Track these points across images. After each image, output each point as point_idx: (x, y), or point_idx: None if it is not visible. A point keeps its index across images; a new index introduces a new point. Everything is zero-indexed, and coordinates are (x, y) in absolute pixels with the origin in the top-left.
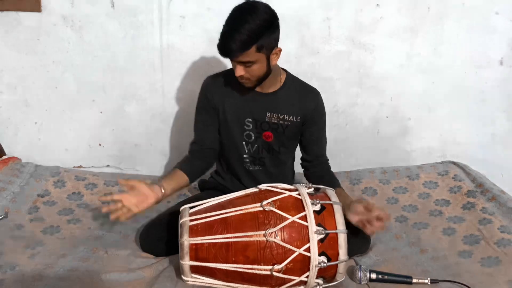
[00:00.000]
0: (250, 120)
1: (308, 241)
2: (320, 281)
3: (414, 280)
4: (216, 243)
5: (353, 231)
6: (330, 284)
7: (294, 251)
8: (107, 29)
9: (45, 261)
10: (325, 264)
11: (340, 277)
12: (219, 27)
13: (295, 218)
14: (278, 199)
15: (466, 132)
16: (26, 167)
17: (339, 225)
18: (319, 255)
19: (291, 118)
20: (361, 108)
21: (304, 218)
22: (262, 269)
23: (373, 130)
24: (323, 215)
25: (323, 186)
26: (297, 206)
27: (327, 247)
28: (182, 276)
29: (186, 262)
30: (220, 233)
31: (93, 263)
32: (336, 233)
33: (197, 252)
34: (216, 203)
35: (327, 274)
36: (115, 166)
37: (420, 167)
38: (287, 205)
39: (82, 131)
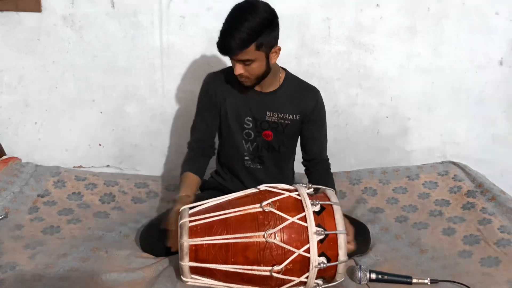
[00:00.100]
0: (250, 119)
1: (308, 242)
2: (319, 281)
3: (414, 280)
4: (215, 244)
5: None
6: (330, 285)
7: (294, 252)
8: (107, 29)
9: (45, 261)
10: (324, 265)
11: (340, 277)
12: (219, 27)
13: (295, 219)
14: (278, 199)
15: (466, 132)
16: (26, 167)
17: (338, 226)
18: (319, 255)
19: (290, 116)
20: (361, 108)
21: (304, 218)
22: (262, 270)
23: (373, 130)
24: (323, 215)
25: (323, 187)
26: (297, 206)
27: (327, 247)
28: (181, 277)
29: (186, 263)
30: (220, 234)
31: (93, 263)
32: (336, 234)
33: (196, 253)
34: (216, 204)
35: (326, 274)
36: (115, 166)
37: (420, 167)
38: (287, 206)
39: (82, 131)
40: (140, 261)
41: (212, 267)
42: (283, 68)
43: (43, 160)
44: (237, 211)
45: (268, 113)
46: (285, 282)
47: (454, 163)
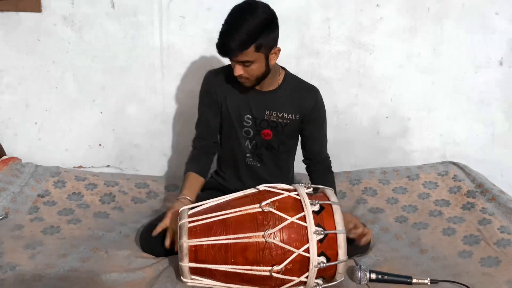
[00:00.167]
0: (249, 117)
1: (307, 242)
2: (319, 281)
3: (414, 280)
4: (215, 244)
5: None
6: (330, 284)
7: (294, 252)
8: (107, 29)
9: (45, 261)
10: (324, 265)
11: (340, 277)
12: (219, 27)
13: (294, 219)
14: (277, 199)
15: (466, 132)
16: (26, 167)
17: (338, 225)
18: (319, 255)
19: (290, 116)
20: (361, 108)
21: (303, 218)
22: (262, 270)
23: (373, 130)
24: (322, 215)
25: (322, 186)
26: (296, 206)
27: (326, 247)
28: (181, 277)
29: (186, 264)
30: (219, 235)
31: (93, 263)
32: (335, 233)
33: (196, 253)
34: (215, 204)
35: (326, 274)
36: (115, 166)
37: (420, 167)
38: (286, 206)
39: (82, 131)
40: (140, 261)
41: (212, 268)
42: (282, 68)
43: (43, 160)
44: (237, 212)
45: (267, 112)
46: (285, 282)
47: (454, 163)
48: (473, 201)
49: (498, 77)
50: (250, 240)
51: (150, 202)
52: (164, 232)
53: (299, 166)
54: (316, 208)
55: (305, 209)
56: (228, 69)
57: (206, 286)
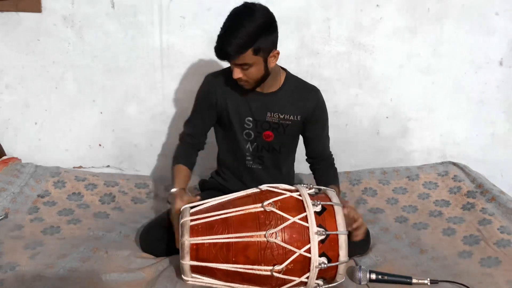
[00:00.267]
0: (250, 119)
1: (309, 242)
2: (320, 281)
3: (414, 281)
4: (216, 243)
5: None
6: (330, 285)
7: (295, 252)
8: (107, 29)
9: (45, 261)
10: (325, 265)
11: (340, 278)
12: (219, 28)
13: (296, 219)
14: (279, 199)
15: (465, 133)
16: (26, 167)
17: (339, 226)
18: (320, 256)
19: (291, 117)
20: (361, 109)
21: (305, 219)
22: (263, 270)
23: (373, 130)
24: (324, 216)
25: (324, 187)
26: (298, 207)
27: (328, 248)
28: (182, 276)
29: (187, 262)
30: (221, 233)
31: (93, 263)
32: (337, 234)
33: (197, 252)
34: (217, 203)
35: (327, 275)
36: (115, 167)
37: (420, 168)
38: (288, 206)
39: (82, 131)
40: (140, 261)
41: (213, 266)
42: (283, 69)
43: (43, 161)
44: (239, 211)
45: (268, 114)
46: (285, 282)
47: (454, 164)
48: (473, 201)
49: (498, 77)
50: (252, 239)
51: (150, 202)
52: (164, 232)
53: (299, 166)
54: (318, 208)
55: (307, 210)
56: (228, 72)
57: (207, 285)
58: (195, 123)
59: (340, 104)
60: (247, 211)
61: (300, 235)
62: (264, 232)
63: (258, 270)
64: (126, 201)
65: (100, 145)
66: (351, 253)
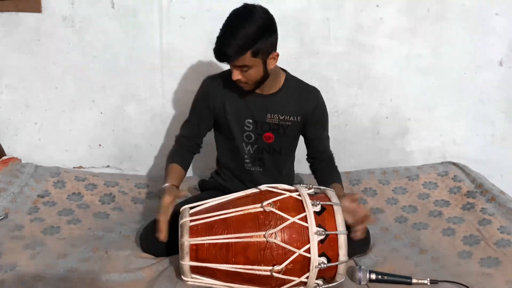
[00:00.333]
0: (250, 121)
1: (308, 242)
2: (320, 281)
3: (414, 281)
4: (216, 243)
5: None
6: (330, 285)
7: (294, 252)
8: (107, 29)
9: (45, 262)
10: (325, 265)
11: (340, 277)
12: (219, 28)
13: (296, 219)
14: (279, 199)
15: (465, 133)
16: (26, 167)
17: (339, 226)
18: (319, 256)
19: (291, 118)
20: (361, 109)
21: (305, 219)
22: (262, 270)
23: (373, 130)
24: (324, 216)
25: (323, 187)
26: (298, 207)
27: (327, 248)
28: (182, 276)
29: (186, 263)
30: (221, 234)
31: (93, 263)
32: (336, 234)
33: (197, 252)
34: (217, 204)
35: (327, 275)
36: (115, 167)
37: (419, 168)
38: (288, 206)
39: (82, 131)
40: (140, 262)
41: (213, 267)
42: (283, 70)
43: (43, 161)
44: (238, 211)
45: (268, 115)
46: (285, 282)
47: (454, 164)
48: (473, 201)
49: (498, 78)
50: (251, 239)
51: (150, 202)
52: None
53: (299, 166)
54: (318, 208)
55: (306, 210)
56: (227, 75)
57: (207, 285)
58: (192, 126)
59: (340, 104)
60: (246, 212)
61: (300, 235)
62: (263, 233)
63: (257, 270)
64: (126, 201)
65: (100, 145)
66: (351, 253)
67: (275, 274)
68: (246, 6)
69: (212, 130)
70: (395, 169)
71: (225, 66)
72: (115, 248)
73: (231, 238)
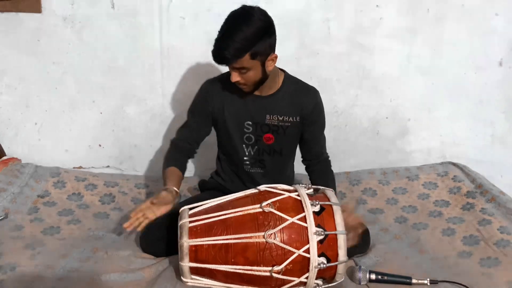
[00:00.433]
0: (250, 123)
1: (308, 242)
2: (319, 281)
3: (414, 281)
4: (215, 244)
5: None
6: (330, 285)
7: (294, 252)
8: (107, 30)
9: (45, 262)
10: (324, 265)
11: (340, 277)
12: (219, 28)
13: (295, 219)
14: (278, 200)
15: (465, 133)
16: (26, 167)
17: (338, 226)
18: (319, 256)
19: (291, 118)
20: (360, 109)
21: (304, 219)
22: (262, 271)
23: (373, 130)
24: (323, 216)
25: (322, 187)
26: (297, 207)
27: (327, 248)
28: (181, 277)
29: (186, 264)
30: (220, 235)
31: (93, 263)
32: (336, 234)
33: (196, 253)
34: (216, 204)
35: (326, 274)
36: (115, 167)
37: (419, 168)
38: (287, 206)
39: (82, 131)
40: (140, 262)
41: (212, 268)
42: (282, 70)
43: (43, 161)
44: (237, 212)
45: (268, 116)
46: (285, 282)
47: (454, 164)
48: (472, 201)
49: (498, 78)
50: (251, 240)
51: None
52: (164, 233)
53: (298, 166)
54: (317, 208)
55: (305, 210)
56: (226, 77)
57: (206, 286)
58: (189, 131)
59: (340, 105)
60: (245, 212)
61: (299, 236)
62: (263, 233)
63: (257, 271)
64: (126, 201)
65: (100, 145)
66: (351, 254)
67: (274, 275)
68: (244, 8)
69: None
70: (395, 169)
71: (224, 68)
72: (115, 248)
73: (231, 239)
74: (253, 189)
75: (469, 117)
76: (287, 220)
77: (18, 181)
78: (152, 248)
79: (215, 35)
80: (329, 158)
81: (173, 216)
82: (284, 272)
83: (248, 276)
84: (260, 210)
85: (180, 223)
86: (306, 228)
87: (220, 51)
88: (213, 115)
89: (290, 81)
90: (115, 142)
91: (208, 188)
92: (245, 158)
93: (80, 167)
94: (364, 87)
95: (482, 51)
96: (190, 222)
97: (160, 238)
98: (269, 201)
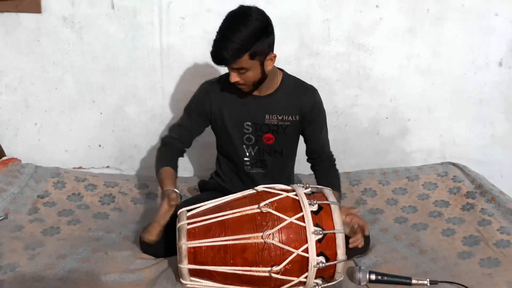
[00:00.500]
0: (249, 123)
1: (306, 242)
2: (319, 281)
3: (414, 281)
4: (214, 246)
5: None
6: (329, 284)
7: (292, 252)
8: (107, 30)
9: (45, 262)
10: (323, 264)
11: (339, 276)
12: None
13: (293, 219)
14: (275, 200)
15: (465, 133)
16: (26, 168)
17: (336, 225)
18: (318, 255)
19: (290, 117)
20: (360, 109)
21: (302, 218)
22: (261, 271)
23: (373, 131)
24: (321, 215)
25: (321, 186)
26: (295, 207)
27: (325, 247)
28: (181, 279)
29: (185, 266)
30: (218, 236)
31: (93, 264)
32: (334, 233)
33: (195, 255)
34: (214, 206)
35: (325, 274)
36: (115, 167)
37: (419, 168)
38: (285, 206)
39: (82, 132)
40: (140, 262)
41: (211, 269)
42: (280, 69)
43: (43, 161)
44: (235, 213)
45: (267, 116)
46: (284, 282)
47: (454, 164)
48: (472, 202)
49: (498, 78)
50: (249, 241)
51: (150, 203)
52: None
53: (299, 166)
54: (315, 208)
55: (303, 209)
56: (225, 78)
57: (206, 287)
58: (183, 130)
59: (340, 105)
60: (243, 213)
61: (297, 235)
62: (261, 234)
63: (256, 271)
64: (126, 201)
65: (100, 145)
66: (350, 254)
67: (273, 275)
68: (241, 8)
69: (203, 133)
70: (395, 169)
71: (224, 68)
72: (115, 249)
73: (229, 240)
74: (251, 189)
75: (469, 117)
76: (285, 220)
77: (18, 181)
78: (152, 249)
79: (215, 35)
80: (334, 157)
81: (172, 217)
82: (283, 272)
83: (247, 277)
84: (258, 210)
85: (178, 225)
86: (304, 227)
87: (219, 52)
88: (211, 116)
89: (289, 80)
90: (115, 142)
91: (208, 188)
92: (245, 159)
93: (80, 167)
94: (364, 87)
95: (482, 51)
96: (188, 224)
97: (160, 239)
98: (267, 202)
